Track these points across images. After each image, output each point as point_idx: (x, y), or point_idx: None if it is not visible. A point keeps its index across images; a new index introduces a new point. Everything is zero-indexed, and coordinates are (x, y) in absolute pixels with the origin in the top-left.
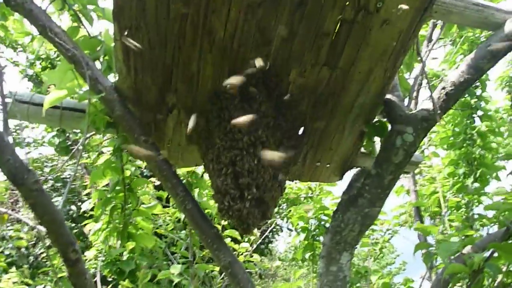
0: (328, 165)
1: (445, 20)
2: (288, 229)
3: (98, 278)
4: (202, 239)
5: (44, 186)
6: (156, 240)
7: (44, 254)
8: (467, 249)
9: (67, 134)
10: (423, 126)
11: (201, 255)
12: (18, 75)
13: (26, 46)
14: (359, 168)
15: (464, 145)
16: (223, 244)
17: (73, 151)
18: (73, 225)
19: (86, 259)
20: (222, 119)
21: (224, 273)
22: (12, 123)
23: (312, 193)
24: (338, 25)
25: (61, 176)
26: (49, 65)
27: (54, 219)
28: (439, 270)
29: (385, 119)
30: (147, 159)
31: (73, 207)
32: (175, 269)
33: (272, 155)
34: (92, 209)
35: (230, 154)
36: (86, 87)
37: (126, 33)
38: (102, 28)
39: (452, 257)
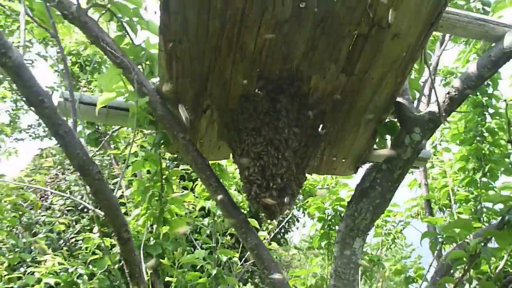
0: (343, 160)
1: (450, 33)
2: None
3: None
4: (232, 224)
5: (73, 176)
6: None
7: (74, 240)
8: (469, 238)
9: (96, 126)
10: (430, 126)
11: (223, 241)
12: (48, 70)
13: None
14: (371, 163)
15: (475, 141)
16: (250, 229)
17: (102, 142)
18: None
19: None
20: (251, 118)
21: (243, 260)
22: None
23: (327, 186)
24: (354, 38)
25: None
26: (79, 61)
27: (111, 204)
28: None
29: (395, 120)
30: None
31: None
32: (200, 254)
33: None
34: (120, 197)
35: (257, 150)
36: (131, 89)
37: (170, 45)
38: (143, 36)
39: (455, 244)
